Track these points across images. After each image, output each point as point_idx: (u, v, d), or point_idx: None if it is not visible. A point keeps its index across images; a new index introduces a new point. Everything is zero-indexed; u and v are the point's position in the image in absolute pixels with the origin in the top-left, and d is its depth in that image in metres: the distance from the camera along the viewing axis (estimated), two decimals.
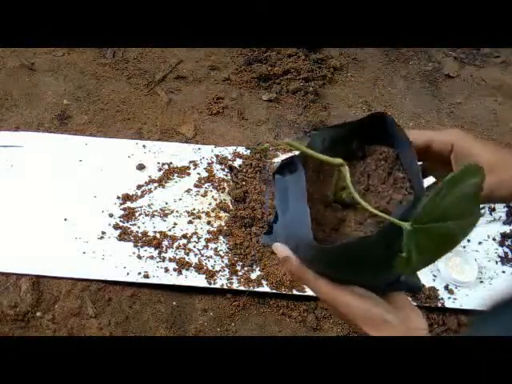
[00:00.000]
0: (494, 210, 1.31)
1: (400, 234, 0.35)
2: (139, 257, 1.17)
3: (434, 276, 1.19)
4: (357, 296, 0.40)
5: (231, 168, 1.36)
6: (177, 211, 1.27)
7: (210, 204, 1.29)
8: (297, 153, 0.40)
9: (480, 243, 1.25)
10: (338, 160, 0.38)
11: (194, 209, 1.28)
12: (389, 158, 0.43)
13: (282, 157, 1.40)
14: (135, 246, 1.19)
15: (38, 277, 1.13)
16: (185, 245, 1.20)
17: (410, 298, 1.12)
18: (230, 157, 1.39)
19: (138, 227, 1.23)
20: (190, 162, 1.38)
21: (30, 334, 1.07)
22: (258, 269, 1.17)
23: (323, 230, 0.41)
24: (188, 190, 1.32)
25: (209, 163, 1.38)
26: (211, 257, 1.19)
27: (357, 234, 0.40)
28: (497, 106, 1.62)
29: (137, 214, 1.25)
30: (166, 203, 1.28)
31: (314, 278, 0.40)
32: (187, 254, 1.18)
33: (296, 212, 0.39)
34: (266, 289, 1.14)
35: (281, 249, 0.42)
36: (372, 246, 0.37)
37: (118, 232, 1.21)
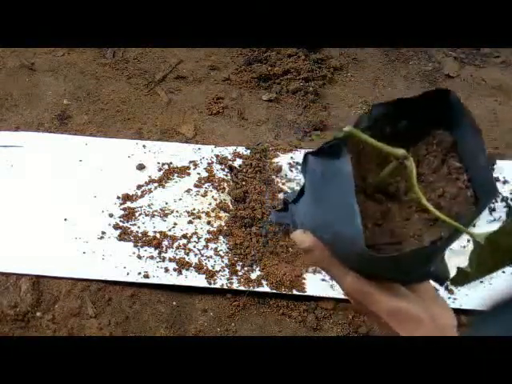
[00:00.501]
0: (494, 210, 1.31)
1: (454, 239, 0.32)
2: (139, 257, 1.17)
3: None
4: (386, 292, 0.37)
5: (231, 168, 1.36)
6: (177, 211, 1.27)
7: (210, 204, 1.29)
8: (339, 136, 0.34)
9: None
10: (402, 151, 0.33)
11: (194, 209, 1.28)
12: (443, 143, 0.37)
13: (283, 157, 1.40)
14: (135, 246, 1.19)
15: (38, 277, 1.13)
16: (185, 245, 1.20)
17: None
18: (230, 157, 1.39)
19: (138, 227, 1.23)
20: (190, 161, 1.38)
21: (30, 333, 1.07)
22: (257, 269, 1.17)
23: (365, 225, 0.35)
24: (188, 190, 1.32)
25: (209, 163, 1.38)
26: (211, 257, 1.19)
27: (405, 232, 0.35)
28: (497, 106, 1.62)
29: (137, 214, 1.25)
30: (166, 203, 1.28)
31: (343, 273, 0.37)
32: (187, 254, 1.18)
33: (337, 205, 0.34)
34: (266, 289, 1.14)
35: (304, 237, 0.38)
36: (427, 255, 0.34)
37: (118, 232, 1.21)
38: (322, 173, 0.35)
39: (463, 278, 0.31)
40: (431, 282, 0.41)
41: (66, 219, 1.23)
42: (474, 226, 1.27)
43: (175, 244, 1.20)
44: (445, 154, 0.37)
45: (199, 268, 1.16)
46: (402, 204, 0.37)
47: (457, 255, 1.19)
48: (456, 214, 0.35)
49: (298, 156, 1.40)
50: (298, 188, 1.19)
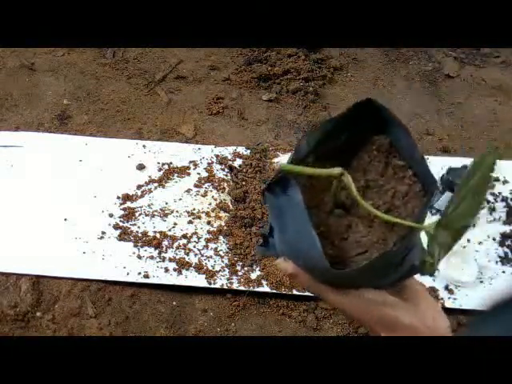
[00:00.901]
0: (494, 209, 1.31)
1: (414, 234, 0.33)
2: (139, 257, 1.17)
3: (434, 276, 1.18)
4: (375, 303, 0.38)
5: (231, 168, 1.36)
6: (177, 211, 1.27)
7: (210, 204, 1.29)
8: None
9: (480, 243, 1.25)
10: (337, 170, 0.35)
11: (194, 209, 1.28)
12: (382, 147, 0.39)
13: (282, 157, 1.40)
14: (135, 245, 1.19)
15: (38, 277, 1.13)
16: (185, 245, 1.20)
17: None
18: (230, 157, 1.39)
19: (138, 227, 1.23)
20: (190, 161, 1.38)
21: (30, 333, 1.07)
22: (257, 269, 1.17)
23: (332, 242, 0.37)
24: (188, 190, 1.32)
25: (209, 163, 1.38)
26: (211, 257, 1.19)
27: (370, 240, 0.37)
28: (497, 106, 1.62)
29: (137, 214, 1.25)
30: (166, 203, 1.28)
31: (326, 291, 0.38)
32: (187, 254, 1.18)
33: (298, 233, 0.35)
34: (266, 289, 1.14)
35: (286, 265, 0.39)
36: (394, 256, 0.35)
37: (118, 232, 1.21)
38: (278, 206, 0.37)
39: (430, 267, 0.34)
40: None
41: (65, 219, 1.23)
42: (474, 226, 1.27)
43: (175, 244, 1.20)
44: (386, 157, 0.39)
45: (199, 268, 1.16)
46: (360, 215, 0.38)
47: (457, 255, 1.19)
48: (412, 210, 0.37)
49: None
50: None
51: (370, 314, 0.38)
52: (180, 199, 1.30)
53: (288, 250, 0.39)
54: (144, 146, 1.41)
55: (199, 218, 1.26)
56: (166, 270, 1.15)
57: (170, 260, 1.17)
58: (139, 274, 1.14)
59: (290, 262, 0.39)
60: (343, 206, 0.39)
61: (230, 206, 1.28)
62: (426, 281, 1.17)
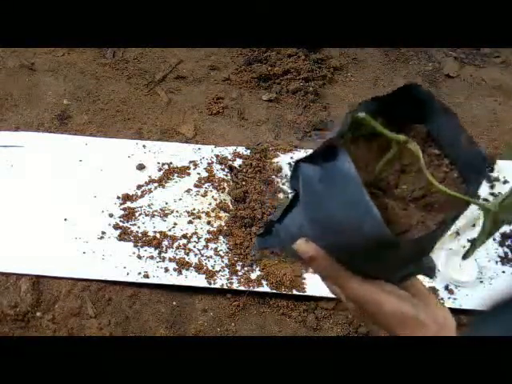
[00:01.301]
0: None
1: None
2: (139, 257, 1.17)
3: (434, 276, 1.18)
4: (389, 295, 0.38)
5: (231, 168, 1.36)
6: (177, 211, 1.27)
7: (210, 204, 1.29)
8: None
9: None
10: (403, 136, 0.34)
11: (194, 209, 1.28)
12: (419, 135, 0.38)
13: (282, 157, 1.40)
14: (135, 245, 1.19)
15: (38, 277, 1.13)
16: (185, 245, 1.20)
17: None
18: (230, 157, 1.39)
19: (138, 227, 1.23)
20: (190, 161, 1.38)
21: (30, 333, 1.07)
22: (257, 269, 1.17)
23: None
24: (188, 190, 1.32)
25: (209, 163, 1.38)
26: (211, 257, 1.19)
27: (408, 221, 0.36)
28: (497, 106, 1.62)
29: (137, 214, 1.25)
30: (166, 203, 1.28)
31: (347, 278, 0.37)
32: (187, 254, 1.18)
33: (345, 205, 0.33)
34: (266, 289, 1.14)
35: (307, 246, 0.37)
36: (434, 238, 0.34)
37: (118, 232, 1.21)
38: (320, 178, 0.34)
39: (472, 249, 0.33)
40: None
41: (66, 219, 1.23)
42: (474, 226, 1.27)
43: (175, 244, 1.20)
44: (422, 145, 0.38)
45: (199, 268, 1.16)
46: (396, 197, 0.37)
47: (457, 255, 1.19)
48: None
49: (298, 156, 1.40)
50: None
51: (387, 305, 0.37)
52: (180, 199, 1.30)
53: (313, 231, 0.37)
54: (144, 146, 1.41)
55: (199, 217, 1.26)
56: (166, 270, 1.15)
57: (170, 260, 1.17)
58: (139, 274, 1.14)
59: (312, 244, 0.37)
60: (378, 187, 0.37)
61: (230, 206, 1.28)
62: (425, 281, 1.17)
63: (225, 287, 1.13)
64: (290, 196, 0.40)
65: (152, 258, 1.17)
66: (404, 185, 0.36)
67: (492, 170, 1.40)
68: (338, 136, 0.34)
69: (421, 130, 0.38)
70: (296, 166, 0.37)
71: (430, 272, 0.40)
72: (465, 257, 0.37)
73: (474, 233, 1.26)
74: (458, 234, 1.25)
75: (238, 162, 1.38)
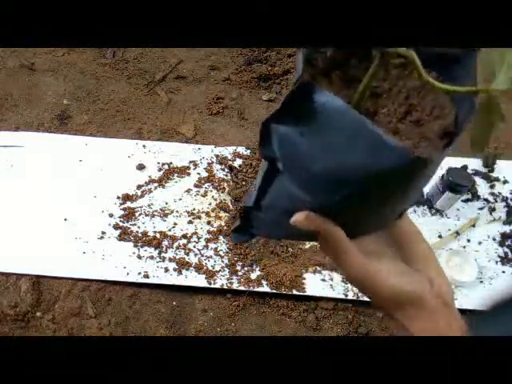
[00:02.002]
0: (494, 209, 1.31)
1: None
2: (139, 257, 1.17)
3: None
4: (388, 270, 0.36)
5: (231, 168, 1.36)
6: (177, 211, 1.27)
7: (210, 204, 1.29)
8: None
9: (480, 243, 1.25)
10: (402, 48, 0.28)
11: (194, 209, 1.28)
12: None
13: None
14: (135, 245, 1.19)
15: (38, 277, 1.14)
16: (185, 245, 1.20)
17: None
18: (230, 157, 1.39)
19: (138, 227, 1.23)
20: (190, 161, 1.38)
21: (30, 333, 1.07)
22: (257, 269, 1.17)
23: None
24: (188, 190, 1.32)
25: (209, 163, 1.38)
26: (211, 257, 1.19)
27: (408, 142, 0.31)
28: None
29: (137, 214, 1.25)
30: (166, 203, 1.29)
31: (351, 252, 0.34)
32: (187, 254, 1.18)
33: (344, 145, 0.27)
34: (266, 289, 1.14)
35: (317, 219, 0.32)
36: (438, 161, 0.30)
37: (118, 232, 1.21)
38: (301, 131, 0.29)
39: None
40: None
41: (66, 219, 1.23)
42: (474, 226, 1.27)
43: (175, 244, 1.20)
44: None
45: (199, 268, 1.16)
46: (381, 122, 0.31)
47: (457, 255, 1.20)
48: (434, 104, 0.32)
49: None
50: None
51: (384, 289, 0.35)
52: (180, 199, 1.30)
53: (317, 189, 0.31)
54: (144, 146, 1.41)
55: (199, 218, 1.26)
56: (166, 270, 1.15)
57: (170, 260, 1.17)
58: (139, 273, 1.14)
59: (313, 215, 0.32)
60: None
61: (230, 206, 1.28)
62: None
63: (225, 287, 1.13)
64: (260, 173, 0.34)
65: (152, 257, 1.17)
66: (383, 109, 0.31)
67: (492, 170, 1.40)
68: (300, 76, 0.28)
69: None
70: (266, 130, 0.30)
71: (420, 198, 0.38)
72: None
73: (474, 233, 1.26)
74: (457, 234, 1.25)
75: (238, 162, 1.38)
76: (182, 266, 1.16)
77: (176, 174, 1.35)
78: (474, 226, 1.28)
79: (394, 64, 0.32)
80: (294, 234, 0.36)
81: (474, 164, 1.41)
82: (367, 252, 0.36)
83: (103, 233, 1.21)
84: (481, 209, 1.32)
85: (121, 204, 1.27)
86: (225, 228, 1.24)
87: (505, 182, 1.38)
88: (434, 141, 0.31)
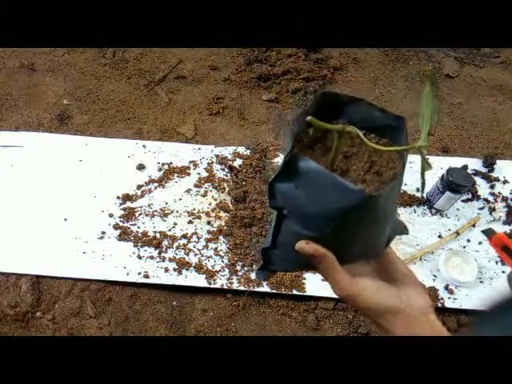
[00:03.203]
0: (494, 209, 1.31)
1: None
2: (139, 257, 1.17)
3: (434, 276, 1.19)
4: (365, 290, 0.41)
5: (231, 168, 1.36)
6: (177, 211, 1.27)
7: (210, 204, 1.29)
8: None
9: (480, 243, 1.25)
10: (339, 126, 0.39)
11: (194, 209, 1.28)
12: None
13: (283, 157, 1.40)
14: (135, 245, 1.19)
15: (38, 277, 1.14)
16: (185, 245, 1.20)
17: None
18: (229, 157, 1.39)
19: (138, 227, 1.23)
20: (190, 161, 1.38)
21: (30, 333, 1.07)
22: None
23: None
24: (188, 190, 1.32)
25: (209, 163, 1.38)
26: (211, 257, 1.19)
27: (369, 187, 0.41)
28: (497, 106, 1.62)
29: (137, 214, 1.25)
30: (166, 203, 1.28)
31: (338, 272, 0.41)
32: (187, 254, 1.18)
33: (323, 194, 0.38)
34: (265, 289, 1.14)
35: (307, 246, 0.41)
36: (393, 190, 0.39)
37: (118, 232, 1.21)
38: (295, 185, 0.40)
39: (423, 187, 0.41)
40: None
41: (65, 219, 1.23)
42: (474, 226, 1.27)
43: (175, 244, 1.20)
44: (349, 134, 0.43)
45: (199, 268, 1.16)
46: (351, 177, 0.42)
47: (457, 255, 1.19)
48: (390, 158, 0.42)
49: None
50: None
51: (362, 301, 0.41)
52: (180, 199, 1.30)
53: (312, 227, 0.40)
54: (144, 146, 1.41)
55: (199, 218, 1.26)
56: (166, 269, 1.15)
57: (170, 260, 1.17)
58: (139, 274, 1.14)
59: (310, 242, 0.41)
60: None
61: (230, 206, 1.28)
62: (425, 281, 1.17)
63: (225, 287, 1.13)
64: (272, 221, 0.44)
65: (152, 258, 1.17)
66: (353, 166, 0.42)
67: (492, 170, 1.40)
68: (291, 149, 0.39)
69: (342, 122, 0.43)
70: (271, 188, 0.42)
71: (404, 230, 0.47)
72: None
73: (474, 233, 1.26)
74: (457, 234, 1.25)
75: (238, 162, 1.38)
76: (182, 266, 1.16)
77: (176, 174, 1.35)
78: (474, 225, 1.28)
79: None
80: (301, 264, 0.45)
81: (474, 164, 1.41)
82: (353, 273, 0.43)
83: (103, 233, 1.21)
84: (481, 209, 1.32)
85: (121, 204, 1.27)
86: (225, 228, 1.24)
87: (505, 181, 1.38)
88: (386, 181, 0.41)
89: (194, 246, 1.20)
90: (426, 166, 0.40)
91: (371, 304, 0.41)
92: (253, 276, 1.15)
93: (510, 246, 0.45)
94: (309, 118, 0.38)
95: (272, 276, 0.46)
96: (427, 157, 0.39)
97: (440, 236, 1.26)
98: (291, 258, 0.44)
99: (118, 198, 1.28)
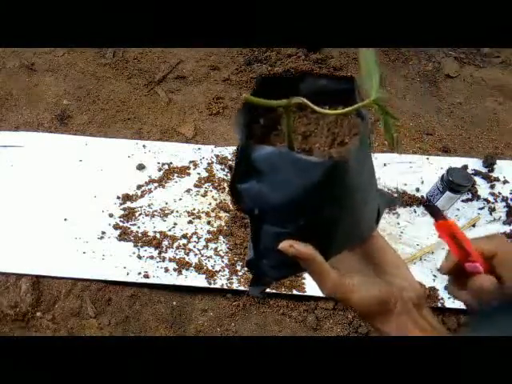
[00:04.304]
0: (494, 210, 1.31)
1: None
2: (139, 257, 1.17)
3: (434, 276, 1.19)
4: (357, 289, 0.40)
5: (231, 168, 1.36)
6: (177, 211, 1.27)
7: (210, 204, 1.29)
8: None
9: None
10: (284, 100, 0.35)
11: (194, 209, 1.28)
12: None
13: None
14: (135, 245, 1.19)
15: (38, 277, 1.13)
16: (185, 245, 1.20)
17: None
18: (229, 157, 1.39)
19: (138, 227, 1.23)
20: (190, 161, 1.38)
21: (29, 333, 1.07)
22: None
23: None
24: (188, 190, 1.32)
25: (209, 163, 1.38)
26: (211, 257, 1.19)
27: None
28: (497, 106, 1.62)
29: (137, 214, 1.25)
30: (166, 203, 1.28)
31: (327, 270, 0.39)
32: (187, 254, 1.18)
33: (291, 179, 0.34)
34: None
35: (304, 247, 0.37)
36: (362, 153, 0.35)
37: (118, 232, 1.21)
38: (258, 180, 0.35)
39: (396, 143, 0.38)
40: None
41: (65, 219, 1.23)
42: (474, 226, 1.27)
43: (175, 244, 1.20)
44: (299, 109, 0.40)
45: (199, 268, 1.16)
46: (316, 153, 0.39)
47: None
48: (353, 124, 0.39)
49: None
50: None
51: (354, 301, 0.40)
52: (180, 199, 1.30)
53: (291, 220, 0.37)
54: (144, 146, 1.41)
55: (199, 218, 1.26)
56: (166, 269, 1.15)
57: (170, 260, 1.17)
58: (139, 274, 1.14)
59: (293, 242, 0.38)
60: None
61: (230, 206, 1.28)
62: (425, 281, 1.17)
63: (225, 287, 1.13)
64: (249, 225, 0.41)
65: (152, 258, 1.17)
66: (315, 144, 0.39)
67: (492, 170, 1.40)
68: (244, 141, 0.36)
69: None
70: (233, 191, 0.37)
71: (395, 201, 0.45)
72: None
73: (474, 233, 1.26)
74: None
75: None
76: (182, 266, 1.16)
77: (176, 174, 1.35)
78: (474, 225, 1.28)
79: (311, 111, 0.39)
80: (295, 267, 0.41)
81: (474, 164, 1.41)
82: (342, 268, 0.41)
83: (103, 233, 1.21)
84: (481, 209, 1.32)
85: (121, 204, 1.27)
86: (225, 228, 1.24)
87: (505, 181, 1.38)
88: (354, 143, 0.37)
89: (194, 246, 1.20)
90: (388, 119, 0.36)
91: (363, 303, 0.40)
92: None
93: (458, 235, 0.43)
94: (243, 96, 0.34)
95: (267, 289, 0.43)
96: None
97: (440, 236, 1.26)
98: (281, 264, 0.41)
99: (118, 198, 1.28)
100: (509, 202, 1.33)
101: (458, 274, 0.46)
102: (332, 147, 0.38)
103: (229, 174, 1.36)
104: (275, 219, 0.37)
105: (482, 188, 1.36)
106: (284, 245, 0.38)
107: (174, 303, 1.13)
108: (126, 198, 1.28)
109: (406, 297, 0.41)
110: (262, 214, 0.37)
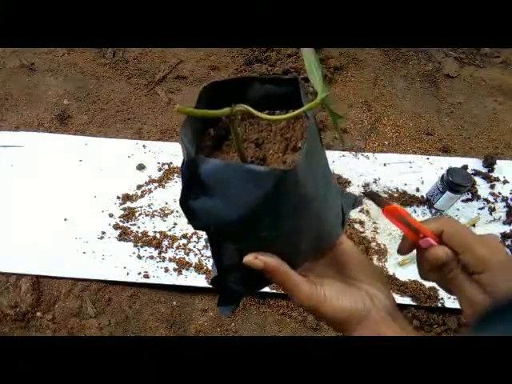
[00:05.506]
0: (494, 209, 1.31)
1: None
2: (139, 257, 1.17)
3: None
4: (331, 294, 0.40)
5: None
6: (177, 211, 1.27)
7: None
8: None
9: None
10: (226, 109, 0.33)
11: None
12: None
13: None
14: (135, 245, 1.19)
15: (38, 277, 1.13)
16: (185, 245, 1.20)
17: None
18: None
19: (138, 227, 1.23)
20: None
21: (29, 333, 1.07)
22: None
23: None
24: None
25: None
26: (211, 257, 1.18)
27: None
28: (497, 106, 1.62)
29: (137, 214, 1.25)
30: (166, 203, 1.28)
31: (299, 281, 0.38)
32: (187, 254, 1.18)
33: (241, 192, 0.32)
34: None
35: (270, 257, 0.36)
36: (313, 156, 0.34)
37: (118, 232, 1.21)
38: (210, 195, 0.33)
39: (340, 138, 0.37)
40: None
41: (65, 219, 1.23)
42: (474, 226, 1.27)
43: (175, 244, 1.20)
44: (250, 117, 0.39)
45: (199, 268, 1.16)
46: (271, 161, 0.38)
47: None
48: (303, 129, 0.37)
49: None
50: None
51: (325, 312, 0.40)
52: None
53: (250, 235, 0.35)
54: (144, 146, 1.41)
55: None
56: (166, 270, 1.15)
57: (170, 260, 1.17)
58: (139, 274, 1.14)
59: (258, 254, 0.36)
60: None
61: None
62: (426, 282, 1.17)
63: None
64: (208, 243, 0.39)
65: (152, 258, 1.17)
66: (269, 151, 0.37)
67: (492, 170, 1.40)
68: (191, 153, 0.34)
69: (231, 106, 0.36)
70: (185, 209, 0.34)
71: (358, 202, 0.43)
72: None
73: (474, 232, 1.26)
74: None
75: None
76: (182, 266, 1.16)
77: (176, 174, 1.35)
78: (474, 225, 1.28)
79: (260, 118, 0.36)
80: (259, 283, 0.39)
81: (474, 164, 1.41)
82: (311, 275, 0.40)
83: (103, 233, 1.21)
84: (481, 209, 1.32)
85: (121, 204, 1.27)
86: None
87: (505, 181, 1.38)
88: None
89: (194, 246, 1.20)
90: (335, 117, 0.35)
91: (334, 313, 0.39)
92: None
93: (406, 218, 0.43)
94: (175, 107, 0.31)
95: (236, 308, 0.41)
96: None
97: None
98: (248, 279, 0.39)
99: (118, 198, 1.28)
100: (509, 202, 1.33)
101: (420, 258, 0.46)
102: (286, 153, 0.36)
103: None
104: (234, 234, 0.35)
105: (482, 188, 1.36)
106: (249, 258, 0.36)
107: (174, 303, 1.13)
108: (126, 198, 1.28)
109: (383, 305, 0.41)
110: (219, 230, 0.35)
